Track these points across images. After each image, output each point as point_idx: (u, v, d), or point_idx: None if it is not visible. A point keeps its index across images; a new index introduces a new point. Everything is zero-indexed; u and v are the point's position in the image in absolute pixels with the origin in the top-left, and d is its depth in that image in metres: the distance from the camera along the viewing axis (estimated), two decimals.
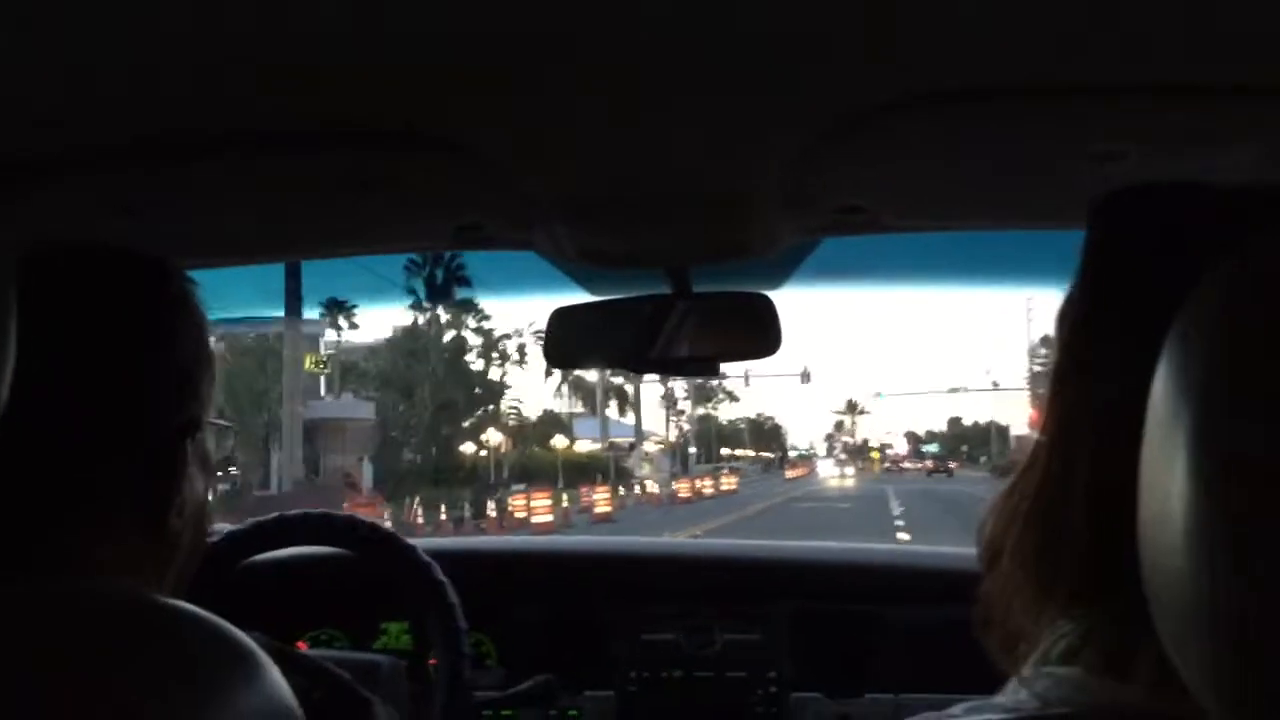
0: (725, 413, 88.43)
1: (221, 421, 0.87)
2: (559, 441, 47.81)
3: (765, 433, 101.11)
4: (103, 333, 0.74)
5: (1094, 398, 0.58)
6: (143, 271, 0.79)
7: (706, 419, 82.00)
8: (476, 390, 38.78)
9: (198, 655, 0.66)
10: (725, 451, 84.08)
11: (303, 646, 1.73)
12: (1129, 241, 0.60)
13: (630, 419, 60.26)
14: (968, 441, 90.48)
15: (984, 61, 0.86)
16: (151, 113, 0.94)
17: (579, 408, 58.10)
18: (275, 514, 1.53)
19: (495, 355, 40.27)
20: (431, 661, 1.51)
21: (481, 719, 1.71)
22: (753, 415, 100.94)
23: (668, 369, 1.50)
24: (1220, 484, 0.38)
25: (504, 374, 41.61)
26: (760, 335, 1.38)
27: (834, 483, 56.84)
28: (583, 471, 40.77)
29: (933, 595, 1.82)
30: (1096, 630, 0.55)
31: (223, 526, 1.51)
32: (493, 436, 38.63)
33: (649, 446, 58.94)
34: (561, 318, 1.46)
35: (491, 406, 40.97)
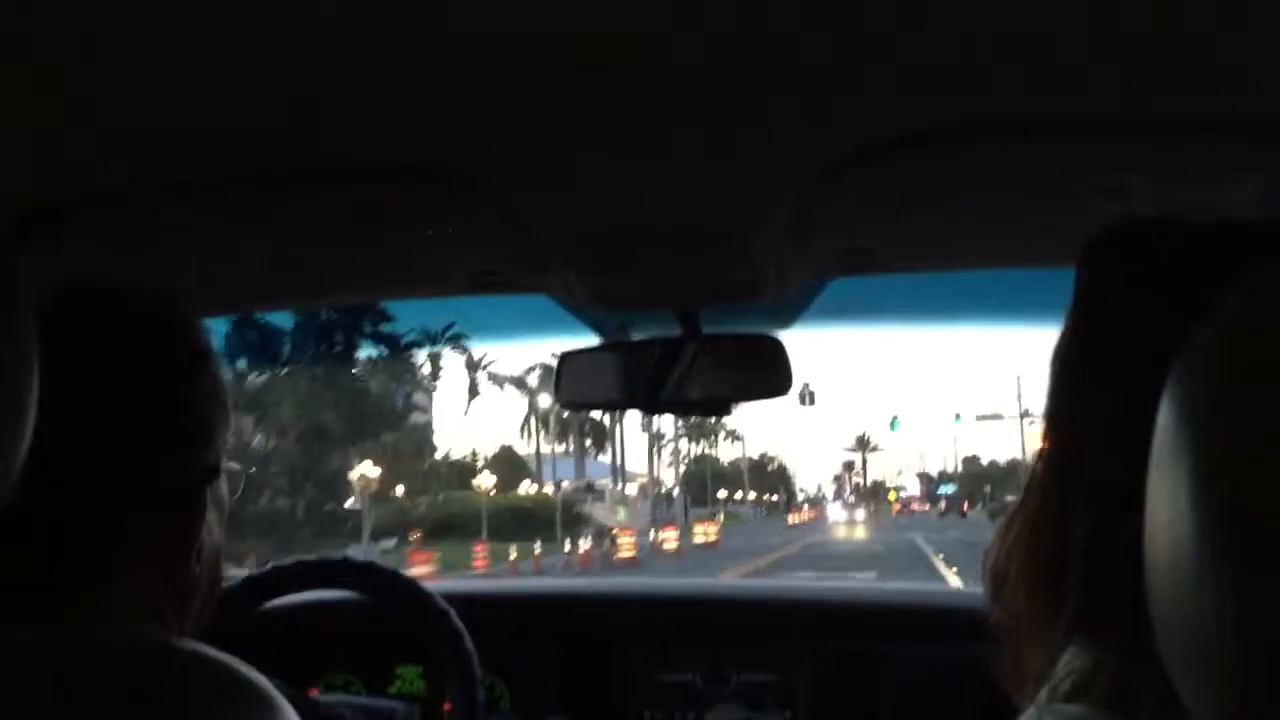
0: (727, 453, 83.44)
1: (234, 466, 0.87)
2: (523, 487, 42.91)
3: (769, 474, 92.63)
4: (127, 378, 0.75)
5: (1087, 432, 0.59)
6: (167, 317, 0.79)
7: (702, 459, 77.37)
8: (367, 413, 30.91)
9: (216, 699, 0.66)
10: (723, 494, 76.47)
11: (314, 693, 1.72)
12: (1120, 278, 0.61)
13: (619, 458, 55.61)
14: (988, 481, 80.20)
15: (987, 98, 0.87)
16: (176, 154, 0.95)
17: (557, 445, 52.55)
18: (294, 559, 1.54)
19: (406, 373, 34.01)
20: (446, 707, 1.50)
21: None
22: (755, 456, 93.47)
23: (679, 409, 1.50)
24: (1225, 518, 0.38)
25: (410, 395, 35.45)
26: (770, 375, 1.39)
27: (844, 531, 49.45)
28: (525, 521, 32.81)
29: (950, 634, 1.81)
30: (1103, 663, 0.55)
31: (240, 571, 1.52)
32: (368, 470, 29.38)
33: (630, 489, 53.94)
34: (571, 360, 1.47)
35: (391, 435, 33.53)
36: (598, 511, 42.41)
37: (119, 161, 0.97)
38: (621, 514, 43.25)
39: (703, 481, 74.11)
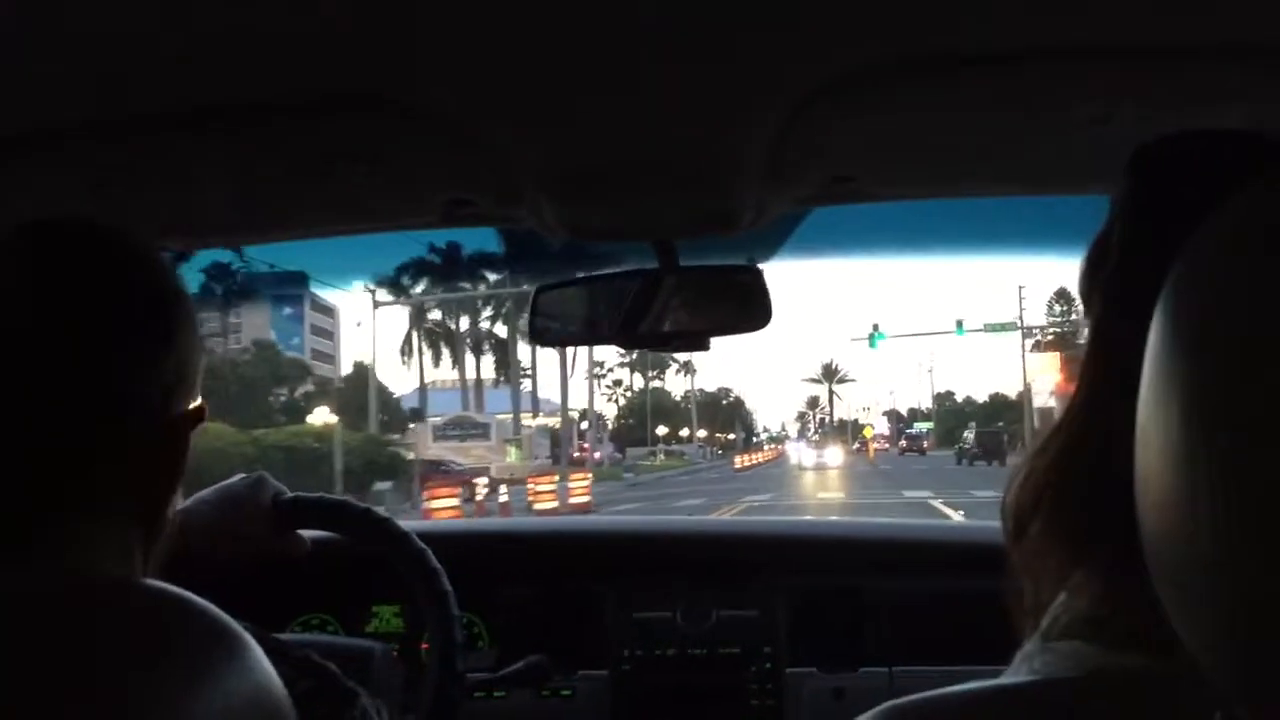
0: (680, 386, 75.78)
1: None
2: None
3: (723, 409, 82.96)
4: (108, 316, 0.73)
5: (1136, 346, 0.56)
6: (142, 254, 0.78)
7: (644, 393, 69.62)
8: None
9: (185, 638, 0.66)
10: (664, 431, 67.25)
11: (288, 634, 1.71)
12: (1170, 191, 0.59)
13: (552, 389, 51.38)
14: (969, 419, 65.65)
15: (971, 24, 0.85)
16: (130, 87, 0.93)
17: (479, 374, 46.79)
18: (271, 495, 1.52)
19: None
20: (424, 645, 1.49)
21: (473, 700, 1.70)
22: (712, 390, 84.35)
23: (656, 344, 1.48)
24: (1217, 435, 0.37)
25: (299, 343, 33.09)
26: (749, 308, 1.36)
27: (811, 482, 34.02)
28: (304, 465, 22.05)
29: (928, 568, 1.82)
30: (1108, 600, 0.54)
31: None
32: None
33: (530, 422, 44.93)
34: (547, 295, 1.44)
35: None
36: (472, 453, 33.34)
37: (75, 97, 0.94)
38: (512, 455, 35.47)
39: (642, 417, 66.46)
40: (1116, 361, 0.57)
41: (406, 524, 1.52)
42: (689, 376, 75.59)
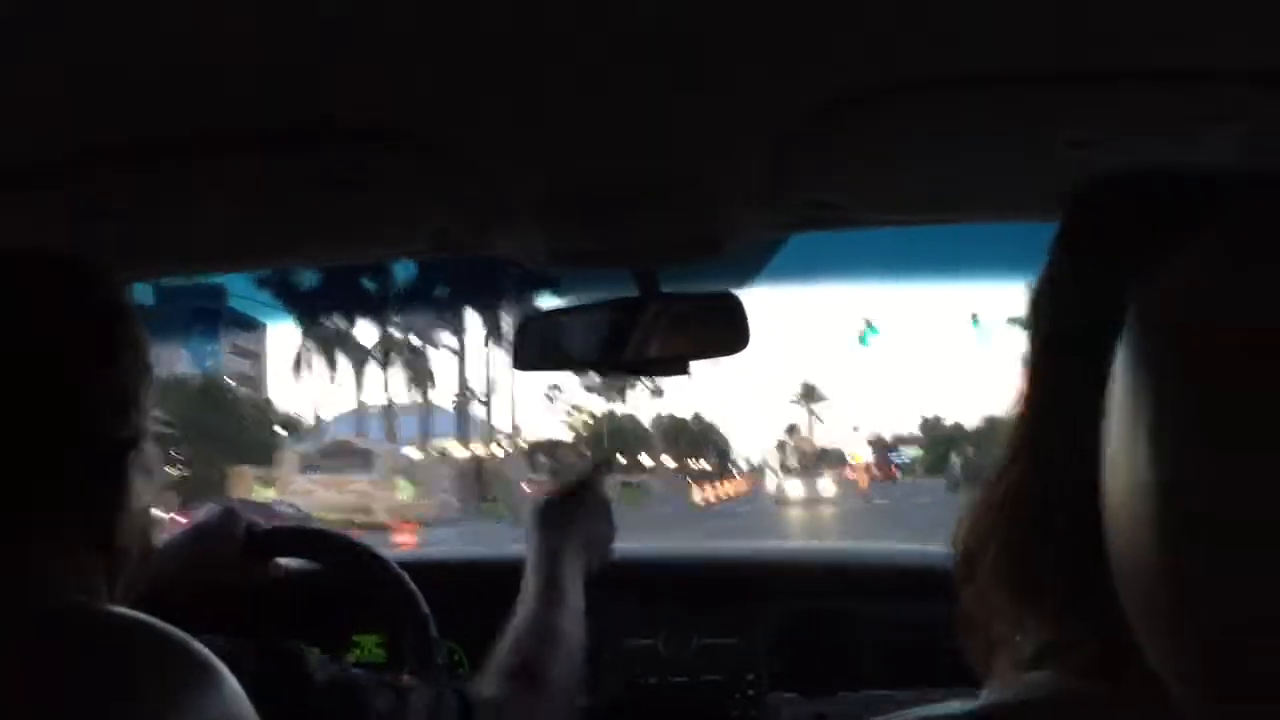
0: (649, 410, 65.03)
1: (165, 429, 0.86)
2: None
3: (692, 436, 73.67)
4: (36, 342, 0.73)
5: (1071, 388, 0.56)
6: (77, 279, 0.78)
7: (602, 419, 61.93)
8: None
9: (154, 665, 0.66)
10: (628, 461, 58.23)
11: None
12: (1105, 227, 0.59)
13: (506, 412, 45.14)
14: (961, 443, 55.35)
15: (952, 52, 0.86)
16: (114, 117, 0.93)
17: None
18: (244, 526, 1.51)
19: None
20: (405, 676, 1.49)
21: None
22: (679, 415, 73.08)
23: (638, 370, 1.49)
24: (1183, 462, 0.38)
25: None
26: (729, 333, 1.37)
27: (801, 517, 29.41)
28: None
29: (911, 593, 1.82)
30: (1065, 630, 0.54)
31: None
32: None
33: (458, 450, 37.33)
34: (530, 323, 1.45)
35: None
36: (350, 488, 25.53)
37: (57, 127, 0.94)
38: (405, 492, 26.58)
39: (595, 445, 57.51)
40: (1058, 397, 0.57)
41: (388, 554, 1.52)
42: (655, 398, 65.90)
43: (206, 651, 0.68)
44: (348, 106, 0.94)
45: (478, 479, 35.06)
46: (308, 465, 27.81)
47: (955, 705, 0.56)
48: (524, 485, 31.28)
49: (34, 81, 0.85)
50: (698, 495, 37.37)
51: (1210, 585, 0.37)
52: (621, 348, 1.38)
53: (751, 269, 1.50)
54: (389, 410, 38.44)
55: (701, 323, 1.41)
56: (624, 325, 1.38)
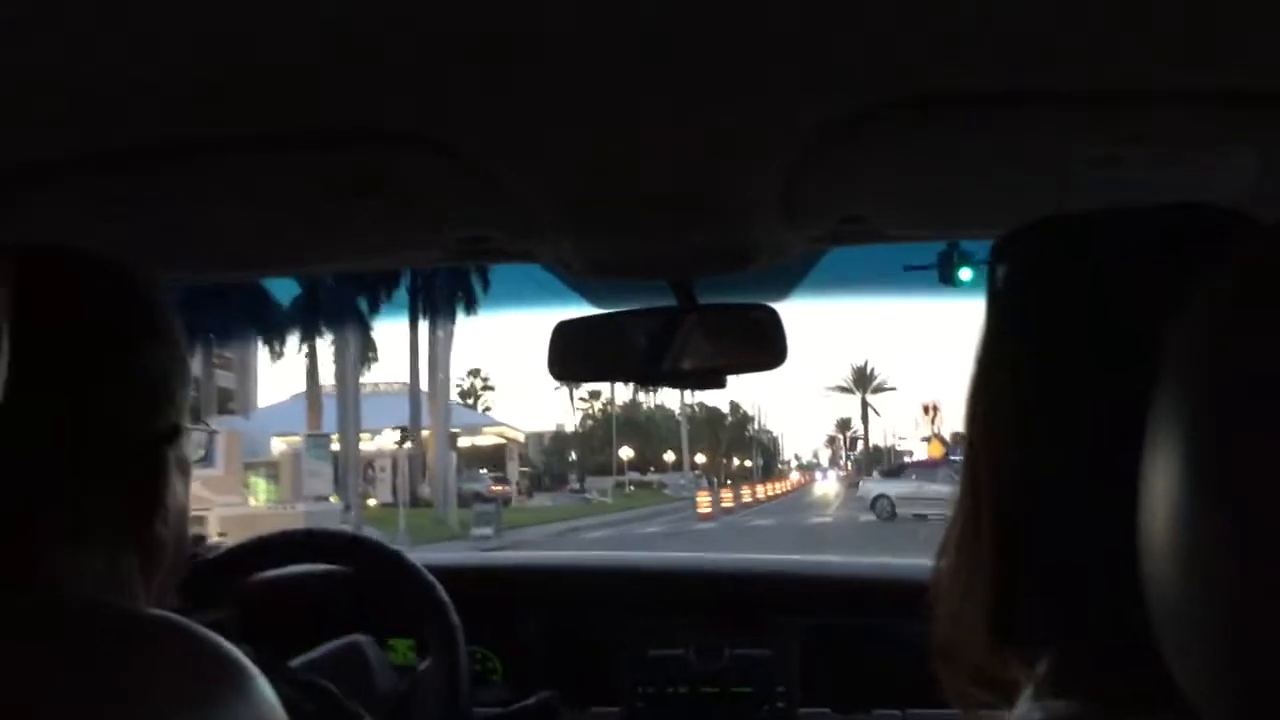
0: (670, 400, 59.02)
1: (201, 426, 0.86)
2: None
3: (727, 429, 64.27)
4: (82, 341, 0.73)
5: (1000, 418, 0.57)
6: (122, 280, 0.78)
7: (611, 405, 56.23)
8: None
9: (187, 667, 0.66)
10: (670, 457, 52.38)
11: None
12: (1034, 276, 0.59)
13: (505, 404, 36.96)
14: None
15: (981, 66, 0.86)
16: (146, 117, 0.94)
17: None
18: (280, 530, 1.53)
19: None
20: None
21: None
22: (712, 404, 65.05)
23: (674, 381, 1.49)
24: (1218, 494, 0.39)
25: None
26: (765, 347, 1.37)
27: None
28: None
29: None
30: (1071, 657, 0.55)
31: (224, 542, 1.51)
32: None
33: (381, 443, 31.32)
34: (565, 331, 1.46)
35: None
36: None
37: (83, 127, 0.95)
38: (260, 492, 22.09)
39: (605, 437, 50.94)
40: (991, 426, 0.58)
41: (423, 557, 1.53)
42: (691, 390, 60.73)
43: (238, 653, 0.67)
44: (375, 114, 0.94)
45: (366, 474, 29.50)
46: None
47: None
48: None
49: (60, 79, 0.85)
50: (704, 502, 30.74)
51: (1238, 612, 0.38)
52: (659, 359, 1.39)
53: (788, 282, 1.51)
54: (311, 380, 29.23)
55: (738, 336, 1.41)
56: (660, 336, 1.38)
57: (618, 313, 1.42)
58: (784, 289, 1.51)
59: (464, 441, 39.89)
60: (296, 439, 26.31)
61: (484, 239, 1.28)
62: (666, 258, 1.30)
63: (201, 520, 15.57)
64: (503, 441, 43.52)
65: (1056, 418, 0.54)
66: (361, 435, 28.96)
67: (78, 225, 1.16)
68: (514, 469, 43.34)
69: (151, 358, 0.76)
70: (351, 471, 25.75)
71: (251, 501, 21.21)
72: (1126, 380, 0.46)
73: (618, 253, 1.27)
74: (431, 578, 1.44)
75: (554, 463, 53.04)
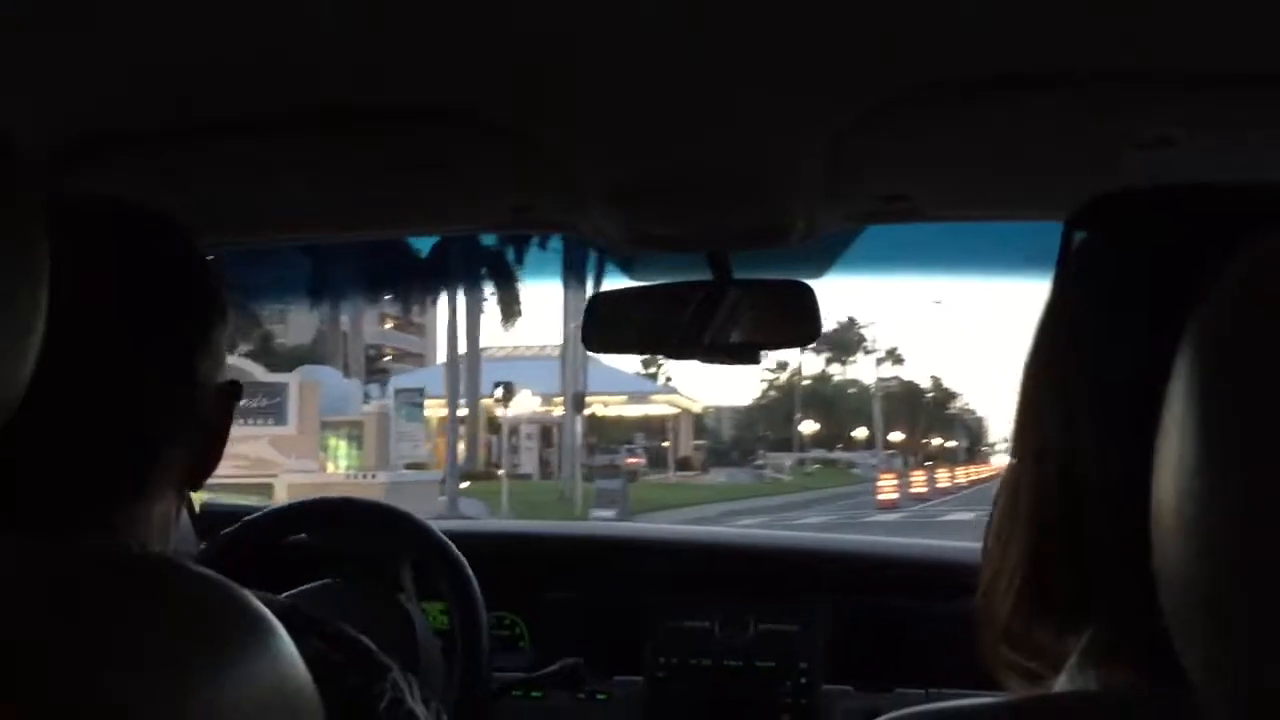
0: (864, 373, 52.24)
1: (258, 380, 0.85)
2: None
3: (924, 407, 55.43)
4: (109, 288, 0.73)
5: (1082, 398, 0.56)
6: (188, 243, 0.79)
7: (822, 380, 51.41)
8: None
9: (224, 622, 0.66)
10: (861, 432, 48.22)
11: None
12: (1118, 244, 0.58)
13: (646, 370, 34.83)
14: None
15: (1031, 44, 0.85)
16: (215, 90, 0.95)
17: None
18: (297, 500, 1.57)
19: None
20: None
21: (510, 699, 1.72)
22: (921, 382, 56.96)
23: (709, 355, 1.50)
24: (1227, 474, 0.39)
25: None
26: (800, 323, 1.38)
27: None
28: None
29: (971, 590, 1.80)
30: (1094, 632, 0.55)
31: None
32: None
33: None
34: (603, 301, 1.46)
35: None
36: (247, 450, 16.21)
37: (154, 99, 0.97)
38: (341, 456, 19.33)
39: (787, 413, 47.72)
40: (1040, 400, 0.57)
41: (456, 525, 1.56)
42: (881, 363, 50.67)
43: (268, 612, 0.67)
44: (425, 89, 0.96)
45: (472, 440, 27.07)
46: None
47: (989, 700, 0.56)
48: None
49: (128, 53, 0.87)
50: (890, 483, 25.45)
51: (1246, 593, 0.38)
52: (697, 332, 1.39)
53: (825, 260, 1.50)
54: (451, 334, 25.55)
55: (772, 311, 1.41)
56: (698, 309, 1.38)
57: (656, 285, 1.42)
58: (821, 265, 1.51)
59: (634, 410, 38.99)
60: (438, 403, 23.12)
61: (526, 209, 1.29)
62: (708, 232, 1.31)
63: (265, 489, 13.55)
64: (676, 411, 40.77)
65: (1107, 390, 0.54)
66: (484, 400, 26.75)
67: (140, 195, 1.19)
68: (686, 442, 41.35)
69: (215, 319, 0.77)
70: (450, 434, 22.60)
71: (330, 468, 18.25)
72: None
73: (658, 227, 1.28)
74: (443, 538, 1.47)
75: (743, 436, 50.59)
